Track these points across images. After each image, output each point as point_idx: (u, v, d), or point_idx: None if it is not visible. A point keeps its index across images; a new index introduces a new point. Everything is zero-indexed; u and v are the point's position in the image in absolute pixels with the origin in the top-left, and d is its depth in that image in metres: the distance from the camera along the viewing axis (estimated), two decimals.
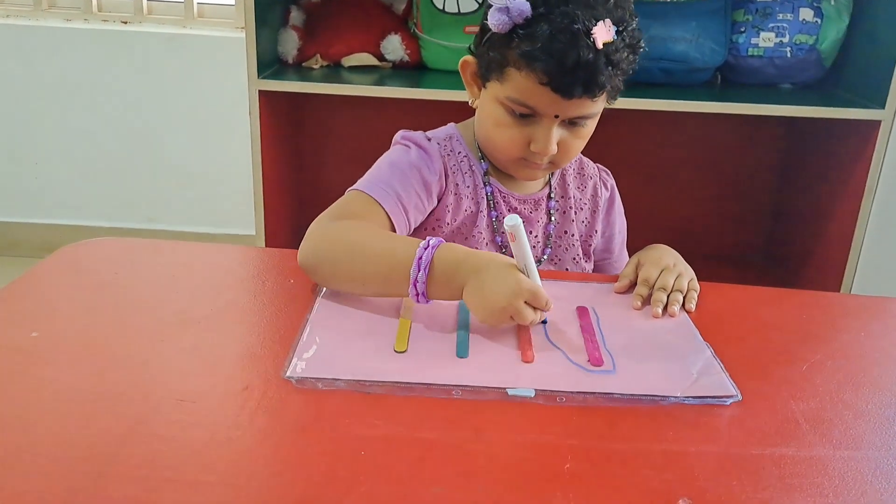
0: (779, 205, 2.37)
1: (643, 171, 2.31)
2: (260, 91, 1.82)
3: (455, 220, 1.16)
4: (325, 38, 2.04)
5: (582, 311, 0.99)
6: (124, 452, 0.68)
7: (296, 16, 2.06)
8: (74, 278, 1.03)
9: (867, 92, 1.90)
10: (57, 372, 0.80)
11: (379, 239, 0.99)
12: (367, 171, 1.13)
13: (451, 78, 1.94)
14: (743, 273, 2.27)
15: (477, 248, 1.14)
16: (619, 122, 1.81)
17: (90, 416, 0.73)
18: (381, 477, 0.67)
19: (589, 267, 1.27)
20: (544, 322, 0.94)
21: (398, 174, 1.11)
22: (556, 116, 1.05)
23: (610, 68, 1.00)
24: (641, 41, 1.06)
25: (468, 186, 1.17)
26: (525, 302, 0.88)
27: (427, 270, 0.90)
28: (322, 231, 1.01)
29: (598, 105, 1.06)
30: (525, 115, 1.06)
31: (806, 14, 1.98)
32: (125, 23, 2.58)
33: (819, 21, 1.98)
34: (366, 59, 2.04)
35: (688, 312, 1.01)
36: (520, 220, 0.89)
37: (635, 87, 1.92)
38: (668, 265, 1.05)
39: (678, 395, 0.81)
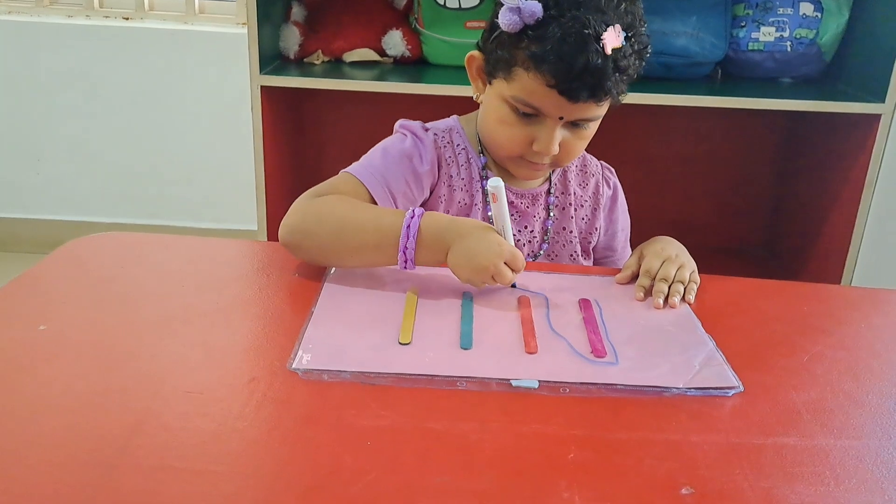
0: (779, 198, 2.37)
1: (643, 166, 2.32)
2: (262, 87, 1.82)
3: (448, 212, 1.17)
4: (326, 34, 2.04)
5: (585, 304, 0.99)
6: (133, 444, 0.68)
7: (297, 11, 2.07)
8: (80, 273, 1.04)
9: (867, 86, 1.90)
10: (65, 365, 0.80)
11: (364, 211, 1.03)
12: (352, 164, 1.15)
13: (452, 73, 1.95)
14: (743, 266, 2.28)
15: None
16: (619, 116, 1.80)
17: (99, 408, 0.74)
18: (387, 467, 0.67)
19: (587, 265, 1.27)
20: (514, 286, 1.00)
21: (389, 161, 1.13)
22: (561, 118, 1.06)
23: (617, 74, 1.01)
24: (649, 46, 1.07)
25: (462, 179, 1.18)
26: (505, 263, 0.94)
27: (416, 237, 0.96)
28: (306, 206, 1.04)
29: (602, 108, 1.07)
30: (529, 115, 1.07)
31: (806, 8, 1.98)
32: (127, 19, 2.59)
33: (819, 15, 1.98)
34: (367, 54, 2.04)
35: (689, 305, 1.01)
36: (502, 183, 0.95)
37: (635, 81, 1.93)
38: (671, 256, 1.06)
39: (680, 386, 0.82)
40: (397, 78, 1.91)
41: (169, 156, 2.67)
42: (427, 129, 1.19)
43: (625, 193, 1.32)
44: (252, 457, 0.68)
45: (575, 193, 1.24)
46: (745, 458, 0.71)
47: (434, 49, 2.04)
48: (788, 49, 2.00)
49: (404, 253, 0.96)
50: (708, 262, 1.09)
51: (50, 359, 0.81)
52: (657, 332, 0.94)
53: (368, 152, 1.16)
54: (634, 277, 1.06)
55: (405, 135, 1.17)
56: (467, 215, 1.18)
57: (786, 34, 1.99)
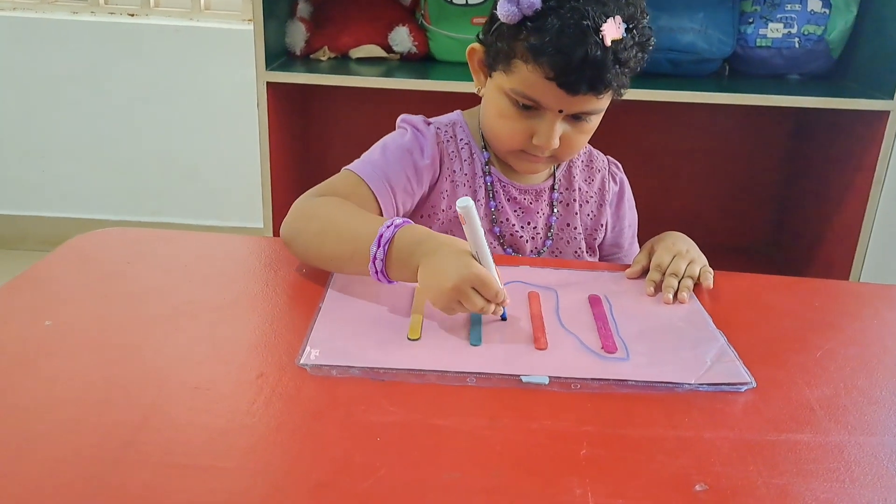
0: (787, 195, 2.36)
1: (650, 162, 2.31)
2: (268, 83, 1.82)
3: (451, 208, 1.16)
4: (332, 30, 2.04)
5: (594, 300, 0.99)
6: (140, 439, 0.68)
7: (303, 7, 2.06)
8: (86, 268, 1.03)
9: (875, 83, 1.89)
10: (71, 360, 0.80)
11: (348, 216, 0.99)
12: (353, 161, 1.14)
13: (458, 69, 1.95)
14: (751, 264, 2.27)
15: None
16: (626, 112, 1.80)
17: (105, 403, 0.73)
18: (396, 463, 0.67)
19: (592, 261, 1.25)
20: (503, 318, 0.91)
21: (390, 156, 1.12)
22: (560, 111, 1.04)
23: (617, 66, 1.00)
24: (651, 38, 1.05)
25: (466, 174, 1.17)
26: (474, 288, 0.86)
27: (386, 248, 0.90)
28: (301, 207, 1.03)
29: (603, 101, 1.06)
30: (529, 108, 1.05)
31: (814, 4, 1.97)
32: (132, 15, 2.58)
33: (827, 12, 1.97)
34: (373, 50, 2.03)
35: (707, 290, 1.01)
36: (471, 203, 0.87)
37: (642, 77, 1.90)
38: (681, 251, 1.05)
39: (692, 382, 0.81)
40: (404, 74, 1.91)
41: (174, 153, 2.67)
42: (429, 123, 1.18)
43: (631, 190, 1.31)
44: (260, 453, 0.68)
45: (580, 189, 1.23)
46: (758, 455, 0.71)
47: (440, 45, 2.04)
48: (796, 45, 1.99)
49: (374, 263, 0.91)
50: (715, 259, 1.08)
51: (56, 354, 0.81)
52: (668, 328, 0.93)
53: (370, 149, 1.15)
54: (644, 272, 1.06)
55: (405, 129, 1.17)
56: None
57: (794, 30, 1.98)
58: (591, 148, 1.26)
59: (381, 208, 1.08)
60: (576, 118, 1.07)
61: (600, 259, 1.28)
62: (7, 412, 0.71)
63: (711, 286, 1.02)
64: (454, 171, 1.16)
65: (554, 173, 1.22)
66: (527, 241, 1.20)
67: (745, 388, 0.81)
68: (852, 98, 1.85)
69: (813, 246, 2.16)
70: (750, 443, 0.73)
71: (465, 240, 0.89)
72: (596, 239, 1.25)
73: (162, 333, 0.86)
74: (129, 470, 0.64)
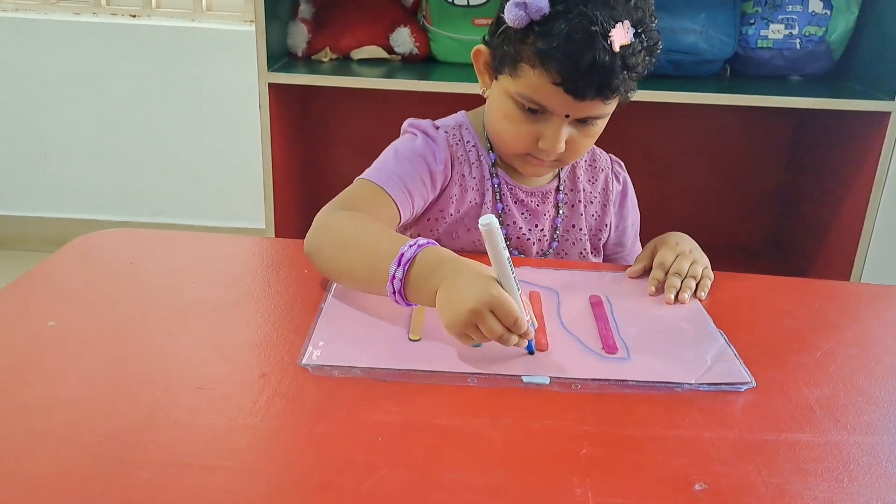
0: (788, 196, 2.36)
1: (652, 163, 2.31)
2: (269, 84, 1.82)
3: (459, 211, 1.16)
4: (334, 31, 2.04)
5: (595, 300, 0.99)
6: (143, 438, 0.68)
7: (305, 8, 2.06)
8: (89, 268, 1.04)
9: (876, 83, 1.90)
10: (75, 360, 0.80)
11: (369, 233, 0.96)
12: (366, 170, 1.12)
13: (460, 71, 1.95)
14: (751, 264, 2.27)
15: (481, 240, 1.14)
16: (627, 113, 1.80)
17: (109, 403, 0.74)
18: (398, 462, 0.67)
19: (597, 261, 1.26)
20: (530, 351, 0.85)
21: (403, 162, 1.10)
22: (567, 116, 1.04)
23: (626, 72, 0.99)
24: (659, 42, 1.04)
25: (474, 177, 1.16)
26: (493, 313, 0.80)
27: (406, 268, 0.86)
28: (323, 220, 1.00)
29: (610, 106, 1.05)
30: (535, 112, 1.04)
31: (815, 6, 1.97)
32: (134, 16, 2.59)
33: (828, 13, 1.97)
34: (375, 51, 2.04)
35: (700, 301, 1.01)
36: (494, 221, 0.81)
37: (644, 78, 1.93)
38: (684, 251, 1.05)
39: (692, 381, 0.81)
40: (405, 75, 1.91)
41: (176, 153, 2.68)
42: (437, 128, 1.17)
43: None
44: (263, 452, 0.68)
45: (584, 190, 1.23)
46: (758, 454, 0.71)
47: (442, 46, 2.04)
48: (797, 46, 1.99)
49: (392, 283, 0.86)
50: (716, 260, 1.09)
51: (59, 354, 0.81)
52: (668, 328, 0.94)
53: (380, 156, 1.13)
54: (646, 271, 1.06)
55: (415, 134, 1.15)
56: (478, 214, 1.15)
57: (795, 31, 1.98)
58: (595, 147, 1.25)
59: (400, 214, 1.07)
60: (582, 122, 1.06)
61: (603, 258, 1.28)
62: (11, 412, 0.72)
63: (705, 297, 1.02)
64: (463, 175, 1.16)
65: (559, 174, 1.22)
66: (533, 243, 1.20)
67: (745, 387, 0.81)
68: (853, 99, 1.85)
69: (813, 246, 2.17)
70: (750, 442, 0.73)
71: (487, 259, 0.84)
72: (600, 239, 1.25)
73: (165, 333, 0.87)
74: (133, 469, 0.65)
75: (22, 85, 2.60)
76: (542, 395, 0.79)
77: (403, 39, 2.03)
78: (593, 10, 0.96)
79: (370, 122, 2.23)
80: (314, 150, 2.31)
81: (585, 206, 1.23)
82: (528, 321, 0.82)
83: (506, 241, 1.15)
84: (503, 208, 1.17)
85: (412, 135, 1.16)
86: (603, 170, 1.26)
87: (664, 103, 1.85)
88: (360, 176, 1.09)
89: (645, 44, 1.01)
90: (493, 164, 1.17)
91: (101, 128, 2.65)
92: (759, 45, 2.00)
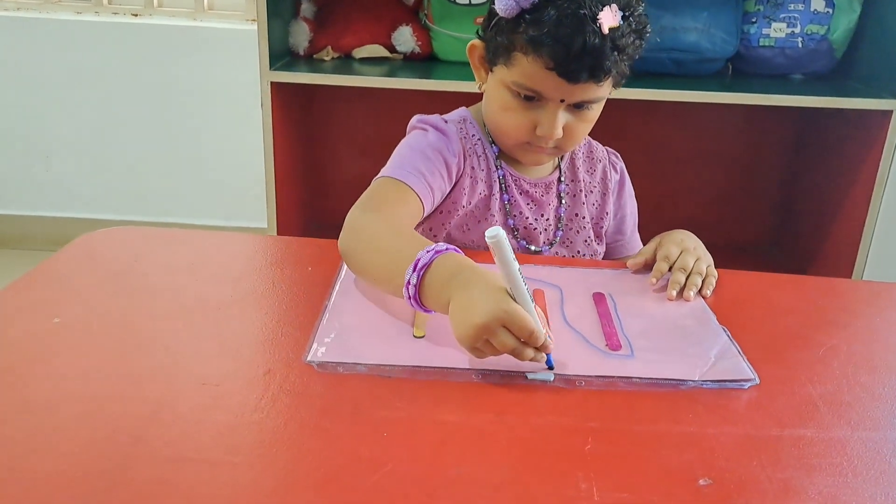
0: (789, 195, 2.37)
1: (654, 161, 2.31)
2: (271, 83, 1.83)
3: (470, 203, 1.17)
4: (336, 30, 2.04)
5: (598, 297, 0.99)
6: (149, 434, 0.68)
7: (307, 7, 2.07)
8: (94, 266, 1.04)
9: (879, 82, 1.90)
10: (80, 357, 0.81)
11: (395, 238, 0.95)
12: (378, 162, 1.14)
13: (462, 69, 1.95)
14: (753, 263, 2.26)
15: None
16: (629, 111, 1.81)
17: (114, 399, 0.74)
18: (404, 458, 0.67)
19: (601, 249, 1.28)
20: (550, 366, 0.82)
21: (420, 156, 1.11)
22: (562, 101, 1.06)
23: (616, 53, 1.02)
24: (648, 27, 1.06)
25: (482, 170, 1.18)
26: (505, 327, 0.78)
27: (421, 274, 0.84)
28: (352, 223, 1.00)
29: (603, 90, 1.07)
30: (531, 99, 1.07)
31: (817, 4, 1.98)
32: (135, 15, 2.59)
33: (830, 11, 1.98)
34: (377, 50, 2.04)
35: (704, 298, 1.01)
36: (502, 233, 0.79)
37: (646, 77, 1.94)
38: (689, 248, 1.06)
39: (696, 378, 0.82)
40: (407, 74, 1.92)
41: (178, 153, 2.68)
42: (447, 121, 1.19)
43: (634, 188, 1.33)
44: (269, 448, 0.68)
45: (584, 180, 1.25)
46: (762, 450, 0.71)
47: (444, 45, 2.04)
48: (799, 45, 1.99)
49: (407, 289, 0.85)
50: (718, 258, 1.09)
51: (65, 351, 0.82)
52: (672, 326, 0.94)
53: (394, 154, 1.14)
54: (647, 265, 1.07)
55: (426, 129, 1.16)
56: (486, 206, 1.17)
57: (797, 30, 1.98)
58: (590, 139, 1.28)
59: (423, 207, 1.07)
60: (577, 107, 1.08)
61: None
62: (18, 408, 0.72)
63: (710, 295, 1.02)
64: (473, 168, 1.17)
65: (559, 167, 1.24)
66: (540, 232, 1.21)
67: (749, 384, 0.82)
68: (855, 98, 1.86)
69: (815, 244, 2.17)
70: (754, 438, 0.73)
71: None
72: (602, 227, 1.27)
73: (170, 330, 0.87)
74: (139, 465, 0.65)
75: (23, 84, 2.61)
76: (547, 391, 0.79)
77: (405, 38, 2.04)
78: None
79: (372, 121, 2.24)
80: (316, 149, 2.31)
81: (586, 196, 1.25)
82: (545, 333, 0.80)
83: (514, 231, 1.18)
84: (509, 199, 1.19)
85: (422, 130, 1.17)
86: (600, 160, 1.28)
87: (666, 102, 1.85)
88: (380, 174, 1.10)
89: (633, 26, 1.03)
90: (497, 157, 1.19)
91: (102, 127, 2.65)
92: (760, 44, 2.01)
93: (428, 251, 0.86)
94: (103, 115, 2.63)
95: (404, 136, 1.20)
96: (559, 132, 1.08)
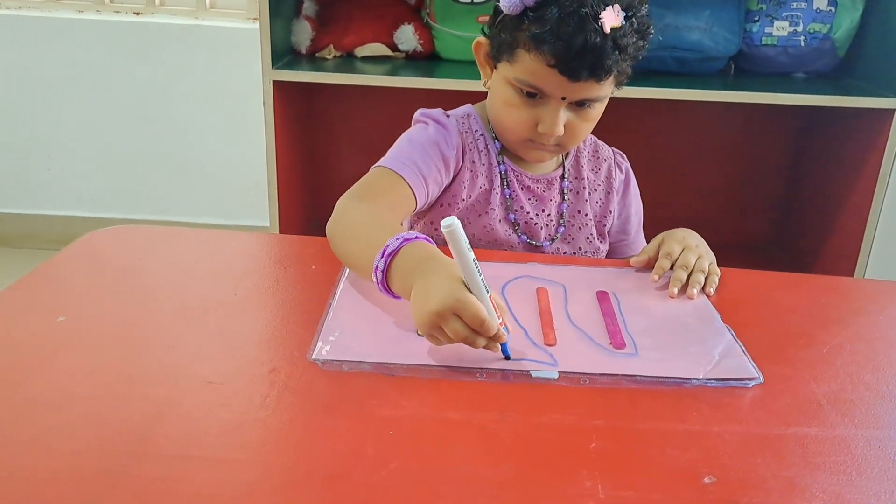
0: (791, 194, 2.37)
1: (656, 160, 2.31)
2: (273, 81, 1.83)
3: (470, 197, 1.19)
4: (338, 29, 2.04)
5: (602, 296, 0.99)
6: (155, 433, 0.69)
7: (309, 6, 2.07)
8: (97, 265, 1.04)
9: (881, 81, 1.90)
10: (86, 355, 0.81)
11: (373, 226, 0.97)
12: (381, 158, 1.15)
13: (464, 68, 1.95)
14: (755, 262, 2.25)
15: (491, 225, 1.18)
16: (632, 110, 1.81)
17: (120, 397, 0.74)
18: (408, 456, 0.68)
19: (603, 247, 1.28)
20: (506, 356, 0.83)
21: (417, 149, 1.14)
22: (564, 98, 1.07)
23: (617, 52, 1.03)
24: (651, 27, 1.08)
25: (483, 164, 1.20)
26: (458, 316, 0.79)
27: (388, 261, 0.87)
28: (339, 209, 1.04)
29: (605, 88, 1.08)
30: (533, 96, 1.08)
31: (820, 3, 1.98)
32: (137, 14, 2.59)
33: (833, 10, 1.98)
34: (379, 49, 2.04)
35: (707, 296, 1.01)
36: (456, 223, 0.79)
37: (648, 75, 1.94)
38: (691, 245, 1.06)
39: (700, 377, 0.82)
40: (409, 73, 1.92)
41: (180, 151, 2.68)
42: (448, 115, 1.21)
43: (637, 186, 1.33)
44: (274, 446, 0.69)
45: (587, 178, 1.26)
46: (766, 448, 0.71)
47: (446, 44, 2.04)
48: (802, 44, 1.99)
49: (375, 273, 0.88)
50: (720, 257, 1.09)
51: (70, 349, 0.82)
52: (675, 324, 0.94)
53: (394, 145, 1.17)
54: (650, 263, 1.07)
55: (427, 122, 1.19)
56: (487, 200, 1.19)
57: (799, 29, 1.98)
58: (596, 139, 1.30)
59: (416, 199, 1.10)
60: (579, 105, 1.09)
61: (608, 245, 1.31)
62: (23, 406, 0.72)
63: (713, 293, 1.02)
64: (473, 162, 1.19)
65: (563, 163, 1.25)
66: (541, 227, 1.22)
67: (753, 383, 0.82)
68: (858, 96, 1.86)
69: (817, 243, 2.17)
70: (758, 436, 0.73)
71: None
72: (605, 226, 1.28)
73: (174, 329, 0.87)
74: (145, 463, 0.65)
75: (25, 83, 2.61)
76: (551, 389, 0.79)
77: (407, 37, 2.04)
78: None
79: (374, 120, 2.24)
80: (318, 148, 2.31)
81: (590, 194, 1.26)
82: (499, 324, 0.81)
83: (515, 226, 1.19)
84: (511, 194, 1.20)
85: (424, 123, 1.20)
86: (605, 160, 1.29)
87: (668, 100, 1.85)
88: (377, 164, 1.13)
89: (636, 26, 1.04)
90: (500, 152, 1.20)
91: (104, 126, 2.65)
92: (763, 43, 2.01)
93: (397, 239, 0.88)
94: (105, 113, 2.63)
95: (412, 122, 1.22)
96: (560, 129, 1.09)
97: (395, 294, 0.89)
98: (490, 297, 0.82)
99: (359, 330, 0.87)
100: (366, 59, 2.04)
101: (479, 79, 1.19)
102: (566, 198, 1.24)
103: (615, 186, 1.28)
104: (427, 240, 0.89)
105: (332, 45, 2.02)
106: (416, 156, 1.12)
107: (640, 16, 1.05)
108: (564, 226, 1.24)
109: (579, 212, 1.25)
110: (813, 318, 0.99)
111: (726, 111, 2.24)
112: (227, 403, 0.73)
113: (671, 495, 0.65)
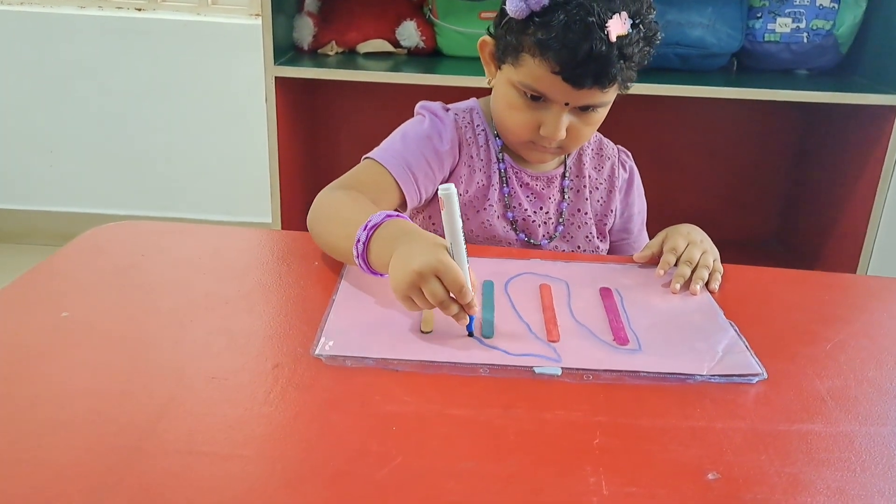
0: (794, 191, 2.36)
1: (658, 157, 2.31)
2: (276, 78, 1.83)
3: (467, 192, 1.19)
4: (340, 25, 2.04)
5: (605, 292, 0.99)
6: (159, 428, 0.69)
7: (311, 2, 2.07)
8: (101, 260, 1.04)
9: (884, 77, 1.90)
10: (89, 351, 0.81)
11: (353, 208, 1.00)
12: (373, 150, 1.17)
13: (466, 64, 1.95)
14: (758, 258, 2.26)
15: (489, 222, 1.18)
16: (634, 107, 1.80)
17: (124, 393, 0.74)
18: (413, 452, 0.68)
19: (603, 247, 1.28)
20: (469, 331, 0.86)
21: (410, 143, 1.15)
22: (567, 104, 1.07)
23: (622, 61, 1.02)
24: (658, 34, 1.07)
25: (482, 160, 1.19)
26: (438, 278, 0.83)
27: (370, 233, 0.91)
28: (320, 197, 1.07)
29: (609, 95, 1.08)
30: (536, 99, 1.08)
31: None
32: (139, 10, 2.59)
33: (836, 6, 1.97)
34: (381, 45, 2.04)
35: (710, 293, 1.01)
36: (453, 189, 0.84)
37: (651, 72, 1.93)
38: (695, 241, 1.06)
39: (704, 373, 0.82)
40: (411, 69, 1.91)
41: (182, 148, 2.68)
42: (448, 109, 1.21)
43: None
44: (279, 441, 0.69)
45: (590, 176, 1.26)
46: (770, 445, 0.71)
47: (448, 40, 2.04)
48: (805, 40, 1.99)
49: (356, 246, 0.91)
50: (722, 254, 1.09)
51: (74, 345, 0.82)
52: (679, 320, 0.94)
53: (389, 136, 1.18)
54: (654, 258, 1.07)
55: (423, 115, 1.20)
56: (485, 196, 1.19)
57: (802, 25, 1.98)
58: (601, 136, 1.29)
59: (404, 194, 1.11)
60: (583, 110, 1.09)
61: (609, 244, 1.30)
62: (29, 401, 0.72)
63: (717, 289, 1.02)
64: (471, 157, 1.19)
65: (565, 161, 1.25)
66: (539, 225, 1.22)
67: (757, 379, 0.82)
68: (860, 93, 1.85)
69: (820, 240, 2.17)
70: (762, 433, 0.73)
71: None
72: (606, 224, 1.28)
73: (178, 325, 0.87)
74: (149, 458, 0.65)
75: (27, 79, 2.61)
76: (554, 385, 0.79)
77: (409, 33, 2.03)
78: (591, 2, 0.99)
79: (376, 116, 2.22)
80: (320, 144, 2.31)
81: (591, 192, 1.25)
82: (473, 296, 0.84)
83: (513, 223, 1.19)
84: (509, 191, 1.20)
85: (421, 116, 1.20)
86: (609, 158, 1.28)
87: (671, 97, 1.85)
88: (367, 155, 1.14)
89: (643, 34, 1.04)
90: (501, 149, 1.20)
91: (106, 122, 2.65)
92: (766, 39, 2.00)
93: (379, 215, 0.92)
94: (107, 109, 2.63)
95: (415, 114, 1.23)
96: (562, 134, 1.08)
97: (373, 269, 0.92)
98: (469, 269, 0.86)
99: (362, 325, 0.87)
100: (368, 55, 2.03)
101: (482, 75, 1.19)
102: (566, 196, 1.24)
103: (618, 185, 1.28)
104: (404, 216, 0.94)
105: (334, 42, 2.02)
106: (407, 151, 1.13)
107: (648, 22, 1.04)
108: (563, 224, 1.24)
109: (579, 210, 1.25)
110: (816, 314, 0.99)
111: (729, 108, 2.24)
112: (231, 399, 0.74)
113: (675, 491, 0.65)
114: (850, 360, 0.87)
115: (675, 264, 1.04)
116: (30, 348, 0.81)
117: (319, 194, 1.07)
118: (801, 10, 1.98)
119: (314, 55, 2.02)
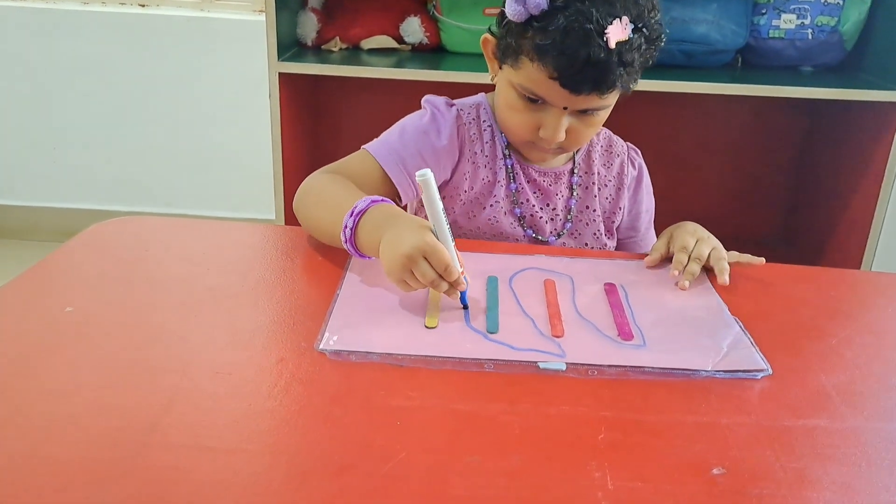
0: (798, 187, 2.36)
1: (662, 153, 2.29)
2: (279, 74, 1.82)
3: (472, 189, 1.18)
4: (344, 21, 2.04)
5: (610, 288, 0.99)
6: (164, 423, 0.69)
7: None
8: (105, 255, 1.04)
9: (889, 74, 1.89)
10: (94, 346, 0.81)
11: (339, 193, 1.02)
12: (371, 141, 1.17)
13: (470, 60, 1.95)
14: (762, 254, 2.23)
15: (496, 218, 1.18)
16: (638, 103, 1.80)
17: (129, 387, 0.74)
18: (417, 447, 0.68)
19: (611, 244, 1.27)
20: (464, 304, 0.91)
21: (406, 138, 1.15)
22: (565, 108, 1.06)
23: (622, 67, 1.00)
24: (663, 35, 1.05)
25: (486, 155, 1.19)
26: (426, 260, 0.87)
27: (357, 219, 0.94)
28: (308, 180, 1.08)
29: (609, 99, 1.07)
30: (536, 101, 1.07)
31: None
32: (143, 6, 2.59)
33: (841, 3, 1.97)
34: (385, 41, 2.04)
35: (714, 288, 1.01)
36: (430, 174, 0.88)
37: (655, 68, 1.90)
38: (703, 237, 1.06)
39: (709, 368, 0.82)
40: (415, 65, 1.91)
41: (186, 144, 2.68)
42: (452, 105, 1.20)
43: None
44: (283, 436, 0.69)
45: (598, 173, 1.25)
46: (776, 440, 0.71)
47: (452, 36, 2.04)
48: (809, 37, 1.98)
49: (344, 232, 0.94)
50: (726, 250, 1.09)
51: (78, 340, 0.82)
52: (683, 316, 0.94)
53: (390, 128, 1.18)
54: (663, 260, 1.07)
55: (426, 110, 1.19)
56: (490, 192, 1.19)
57: (807, 21, 1.97)
58: (611, 133, 1.28)
59: (396, 189, 1.12)
60: (583, 112, 1.08)
61: (616, 242, 1.30)
62: (33, 397, 0.72)
63: (728, 282, 1.01)
64: (476, 153, 1.18)
65: (574, 157, 1.24)
66: (546, 222, 1.21)
67: (762, 374, 0.81)
68: (865, 89, 1.85)
69: (825, 237, 2.16)
70: (767, 428, 0.73)
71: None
72: (614, 222, 1.27)
73: (182, 319, 0.87)
74: (155, 452, 0.65)
75: (31, 75, 2.61)
76: (559, 380, 0.79)
77: (413, 29, 2.03)
78: (590, 7, 0.97)
79: (380, 112, 2.21)
80: (324, 141, 2.31)
81: (600, 189, 1.24)
82: (460, 273, 0.88)
83: (520, 220, 1.19)
84: (516, 187, 1.19)
85: (423, 110, 1.20)
86: (619, 155, 1.27)
87: (675, 93, 1.84)
88: (365, 146, 1.15)
89: (645, 37, 1.02)
90: (507, 145, 1.19)
91: (109, 118, 2.65)
92: (770, 36, 2.00)
93: (365, 200, 0.95)
94: (110, 105, 2.63)
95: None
96: (562, 136, 1.07)
97: (362, 253, 0.95)
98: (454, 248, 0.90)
99: (366, 320, 0.87)
100: (372, 51, 2.03)
101: (486, 71, 1.18)
102: (574, 193, 1.23)
103: (626, 182, 1.27)
104: (388, 201, 0.97)
105: (338, 38, 2.02)
106: (403, 145, 1.14)
107: (651, 24, 1.02)
108: (571, 221, 1.23)
109: (587, 207, 1.24)
110: (821, 310, 0.99)
111: (733, 104, 2.23)
112: (236, 394, 0.74)
113: (680, 487, 0.65)
114: (855, 356, 0.87)
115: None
116: (34, 343, 0.81)
117: (307, 178, 1.09)
118: (806, 7, 1.97)
119: (318, 51, 2.01)
